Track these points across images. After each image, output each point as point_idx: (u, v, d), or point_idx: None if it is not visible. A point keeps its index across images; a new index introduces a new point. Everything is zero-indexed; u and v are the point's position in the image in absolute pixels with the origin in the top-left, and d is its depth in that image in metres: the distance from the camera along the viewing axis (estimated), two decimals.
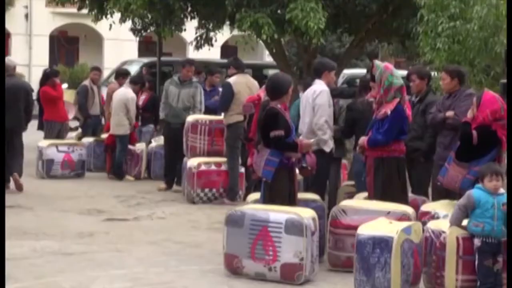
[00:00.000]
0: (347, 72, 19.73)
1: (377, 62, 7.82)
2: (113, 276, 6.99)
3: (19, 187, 11.25)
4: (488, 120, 7.18)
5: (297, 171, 7.66)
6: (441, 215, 7.06)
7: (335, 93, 8.82)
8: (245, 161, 9.51)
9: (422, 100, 8.64)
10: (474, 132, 7.19)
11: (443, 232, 6.51)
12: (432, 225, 6.71)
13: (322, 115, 8.17)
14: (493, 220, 6.39)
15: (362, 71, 18.60)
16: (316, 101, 8.21)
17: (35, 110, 14.76)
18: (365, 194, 7.85)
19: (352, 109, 9.06)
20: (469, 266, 6.43)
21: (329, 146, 8.21)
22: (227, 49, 31.71)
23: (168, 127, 11.95)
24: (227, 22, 16.38)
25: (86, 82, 14.67)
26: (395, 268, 6.17)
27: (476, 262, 6.40)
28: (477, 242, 6.41)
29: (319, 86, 8.31)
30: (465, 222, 6.55)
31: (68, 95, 20.12)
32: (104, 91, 15.55)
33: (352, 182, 9.36)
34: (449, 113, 8.08)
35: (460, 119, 7.63)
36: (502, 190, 6.50)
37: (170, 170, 11.98)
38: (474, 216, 6.46)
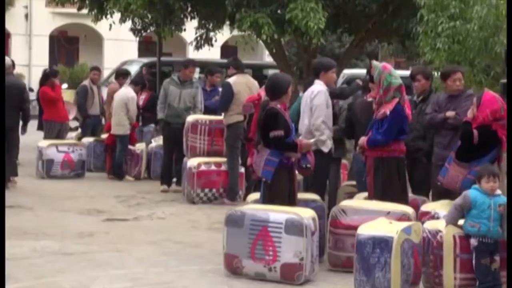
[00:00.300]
0: (347, 72, 19.73)
1: (375, 62, 7.82)
2: (113, 276, 6.99)
3: (13, 184, 11.37)
4: (488, 120, 7.19)
5: (297, 171, 7.66)
6: (441, 215, 7.06)
7: (335, 95, 8.80)
8: (245, 161, 9.50)
9: (425, 100, 8.61)
10: (475, 131, 7.20)
11: (440, 231, 6.54)
12: (428, 225, 6.73)
13: (319, 115, 8.11)
14: (489, 221, 6.42)
15: (362, 71, 18.60)
16: (313, 101, 8.16)
17: (35, 110, 14.79)
18: (366, 194, 7.85)
19: (352, 109, 9.06)
20: (467, 265, 6.45)
21: (327, 147, 8.17)
22: (227, 49, 31.73)
23: (168, 127, 11.91)
24: (227, 22, 16.40)
25: (86, 82, 14.67)
26: (395, 268, 6.17)
27: (474, 262, 6.41)
28: (473, 241, 6.44)
29: (317, 87, 8.28)
30: (461, 222, 6.58)
31: (68, 95, 20.14)
32: (104, 91, 15.56)
33: (352, 182, 9.35)
34: (450, 113, 8.07)
35: (462, 119, 7.62)
36: (499, 191, 6.52)
37: (169, 170, 11.96)
38: (470, 217, 6.48)
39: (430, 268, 6.60)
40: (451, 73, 8.33)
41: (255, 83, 11.04)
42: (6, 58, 12.23)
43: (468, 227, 6.48)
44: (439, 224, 6.68)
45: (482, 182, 6.49)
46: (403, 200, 7.48)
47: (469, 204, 6.48)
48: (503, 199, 6.48)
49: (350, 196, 8.60)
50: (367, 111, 8.25)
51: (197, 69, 19.17)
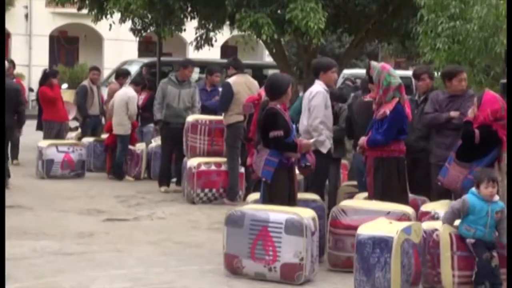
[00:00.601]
0: (347, 72, 19.75)
1: (373, 63, 7.80)
2: (113, 276, 6.99)
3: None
4: (489, 120, 7.19)
5: (297, 171, 7.65)
6: (441, 215, 7.06)
7: (335, 97, 8.78)
8: (245, 161, 9.50)
9: (428, 99, 8.59)
10: (477, 131, 7.20)
11: (436, 230, 6.59)
12: (424, 225, 6.75)
13: (317, 116, 8.08)
14: (485, 228, 6.48)
15: (362, 71, 18.63)
16: (311, 102, 8.13)
17: (35, 110, 14.82)
18: (366, 194, 7.84)
19: (350, 109, 9.07)
20: (464, 262, 6.50)
21: (326, 147, 8.14)
22: (227, 49, 31.72)
23: (167, 127, 11.83)
24: (227, 22, 16.41)
25: (86, 82, 14.66)
26: (395, 268, 6.17)
27: (476, 259, 6.43)
28: (469, 240, 6.46)
29: (316, 87, 8.24)
30: (457, 222, 6.61)
31: (68, 95, 20.14)
32: (105, 91, 15.56)
33: (353, 182, 9.35)
34: (454, 113, 8.04)
35: None
36: (497, 197, 6.54)
37: (168, 171, 11.92)
38: (466, 221, 6.52)
39: (428, 268, 6.63)
40: (457, 73, 8.28)
41: (255, 83, 11.03)
42: None
43: (464, 230, 6.53)
44: (435, 224, 6.73)
45: (481, 187, 6.50)
46: (403, 200, 7.48)
47: (467, 209, 6.51)
48: (501, 205, 6.52)
49: (350, 196, 8.60)
50: (363, 111, 8.26)
51: (197, 69, 19.20)
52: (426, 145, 8.40)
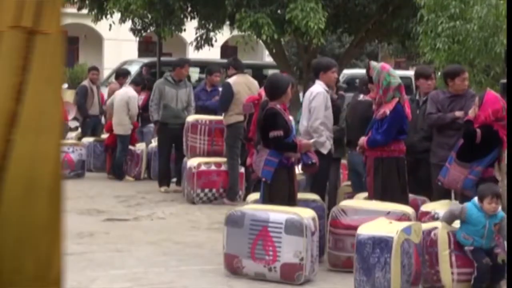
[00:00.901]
0: (347, 72, 19.76)
1: (373, 63, 7.79)
2: (113, 276, 6.99)
3: None
4: (490, 120, 7.19)
5: (297, 171, 7.65)
6: (441, 215, 7.06)
7: (333, 104, 8.77)
8: (245, 161, 9.50)
9: None
10: (478, 130, 7.20)
11: (433, 229, 6.60)
12: (422, 226, 6.75)
13: (317, 117, 8.04)
14: (482, 239, 6.49)
15: (362, 71, 18.66)
16: (311, 103, 8.09)
17: None
18: (366, 194, 7.84)
19: (347, 109, 9.09)
20: (462, 259, 6.52)
21: (326, 148, 8.11)
22: (227, 49, 31.75)
23: (165, 128, 11.72)
24: (227, 22, 16.43)
25: (85, 82, 14.69)
26: (395, 268, 6.17)
27: (476, 265, 6.43)
28: (468, 247, 6.49)
29: (316, 88, 8.20)
30: (455, 224, 6.63)
31: (68, 95, 20.14)
32: (105, 91, 15.57)
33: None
34: (459, 113, 8.02)
35: None
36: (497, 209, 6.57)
37: (167, 171, 11.89)
38: (465, 229, 6.54)
39: (427, 268, 6.63)
40: (460, 72, 8.25)
41: (255, 83, 11.03)
42: None
43: (462, 238, 6.55)
44: (433, 224, 6.77)
45: (484, 202, 6.48)
46: (403, 200, 7.47)
47: (464, 217, 6.53)
48: (500, 216, 6.51)
49: (350, 196, 8.60)
50: (354, 110, 8.24)
51: (197, 69, 19.19)
52: (429, 146, 8.36)
